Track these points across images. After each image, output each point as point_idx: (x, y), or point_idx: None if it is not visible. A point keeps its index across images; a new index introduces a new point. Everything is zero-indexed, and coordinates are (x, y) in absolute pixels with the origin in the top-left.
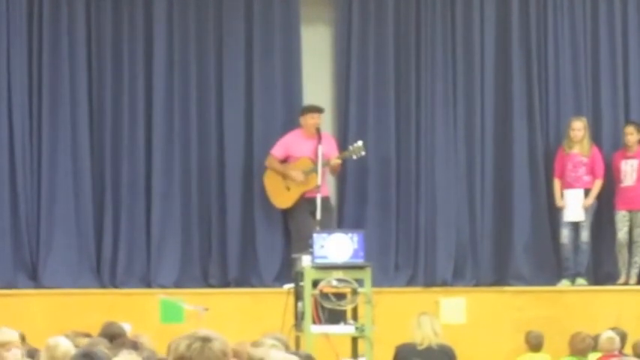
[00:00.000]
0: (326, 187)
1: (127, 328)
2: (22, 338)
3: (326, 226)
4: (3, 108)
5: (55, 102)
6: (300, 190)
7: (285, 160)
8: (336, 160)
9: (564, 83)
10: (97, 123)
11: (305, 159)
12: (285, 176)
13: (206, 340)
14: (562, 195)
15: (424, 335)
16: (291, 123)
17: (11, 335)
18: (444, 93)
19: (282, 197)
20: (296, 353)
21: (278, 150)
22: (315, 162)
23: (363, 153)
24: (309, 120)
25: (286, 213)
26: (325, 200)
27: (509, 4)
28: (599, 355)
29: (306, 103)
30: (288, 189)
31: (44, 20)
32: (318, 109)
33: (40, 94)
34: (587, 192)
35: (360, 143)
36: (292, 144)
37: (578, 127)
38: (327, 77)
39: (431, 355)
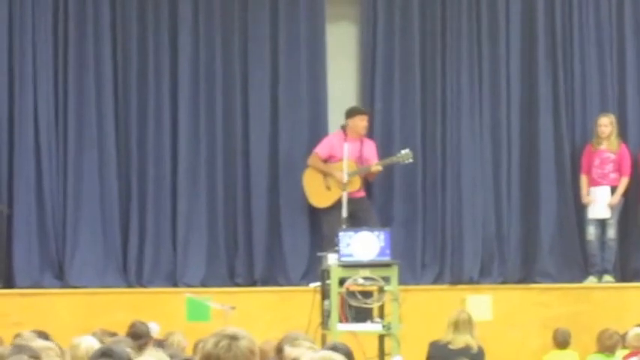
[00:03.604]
0: (362, 189)
1: (155, 327)
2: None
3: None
4: (29, 109)
5: (81, 102)
6: (341, 191)
7: (326, 161)
8: (376, 167)
9: (590, 80)
10: (123, 122)
11: (349, 161)
12: (326, 175)
13: (233, 338)
14: (588, 192)
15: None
16: (316, 121)
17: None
18: (470, 90)
19: (321, 196)
20: (334, 346)
21: (323, 149)
22: (357, 164)
23: (411, 160)
24: (358, 122)
25: (321, 212)
26: (362, 200)
27: None
28: (627, 351)
29: (352, 106)
30: (329, 189)
31: (69, 22)
32: (365, 112)
33: (65, 93)
34: (613, 189)
35: (407, 151)
36: (336, 144)
37: (605, 124)
38: (352, 75)
39: (468, 354)
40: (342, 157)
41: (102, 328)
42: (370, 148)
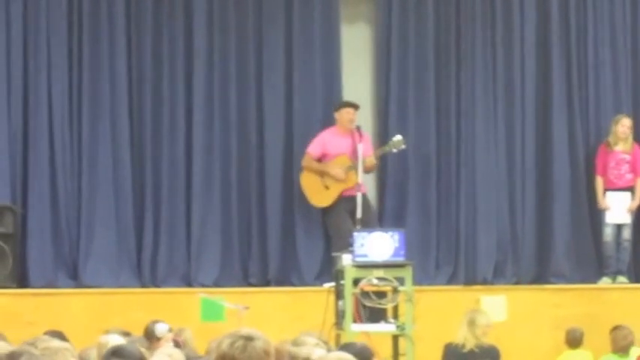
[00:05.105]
0: (363, 184)
1: (164, 327)
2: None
3: (367, 224)
4: (43, 107)
5: (95, 100)
6: (340, 189)
7: (320, 159)
8: (370, 160)
9: (604, 81)
10: (137, 122)
11: (343, 156)
12: (323, 174)
13: (249, 338)
14: (604, 193)
15: (480, 332)
16: (331, 121)
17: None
18: (484, 91)
19: (320, 196)
20: (352, 344)
21: (315, 148)
22: (352, 159)
23: (403, 146)
24: (344, 115)
25: (324, 212)
26: (364, 198)
27: (549, 0)
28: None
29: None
30: (327, 187)
31: (84, 20)
32: (353, 105)
33: (79, 92)
34: (629, 189)
35: (399, 137)
36: (328, 141)
37: (628, 125)
38: (367, 75)
39: (483, 355)
40: (336, 154)
41: (118, 327)
42: (365, 142)
